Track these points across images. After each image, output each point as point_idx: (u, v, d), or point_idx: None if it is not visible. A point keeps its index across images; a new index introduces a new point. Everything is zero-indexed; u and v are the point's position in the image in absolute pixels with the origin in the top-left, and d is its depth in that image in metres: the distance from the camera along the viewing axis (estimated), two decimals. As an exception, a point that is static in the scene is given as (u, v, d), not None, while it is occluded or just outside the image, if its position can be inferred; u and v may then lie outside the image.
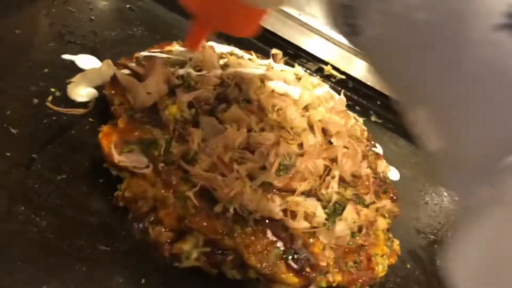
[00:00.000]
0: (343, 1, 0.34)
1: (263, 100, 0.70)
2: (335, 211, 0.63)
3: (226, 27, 0.57)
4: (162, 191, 0.55)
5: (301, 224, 0.58)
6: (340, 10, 0.34)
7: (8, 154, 0.56)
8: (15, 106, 0.61)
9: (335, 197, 0.63)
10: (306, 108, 0.73)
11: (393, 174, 0.84)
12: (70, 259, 0.51)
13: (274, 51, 0.85)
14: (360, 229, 0.63)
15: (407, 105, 0.35)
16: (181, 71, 0.70)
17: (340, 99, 0.78)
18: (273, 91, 0.72)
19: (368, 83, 0.97)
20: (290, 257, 0.56)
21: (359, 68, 1.00)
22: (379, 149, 0.82)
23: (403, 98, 0.35)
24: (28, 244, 0.50)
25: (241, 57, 0.79)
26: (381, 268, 0.62)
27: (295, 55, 0.96)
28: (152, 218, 0.56)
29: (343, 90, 0.87)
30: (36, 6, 0.78)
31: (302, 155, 0.66)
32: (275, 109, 0.69)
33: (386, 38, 0.33)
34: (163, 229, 0.56)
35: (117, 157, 0.56)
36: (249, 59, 0.79)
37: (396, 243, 0.67)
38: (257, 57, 0.82)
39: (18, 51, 0.68)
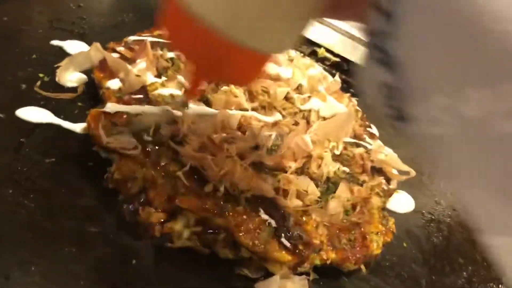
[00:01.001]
0: (385, 80, 0.26)
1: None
2: (328, 189, 0.62)
3: (223, 76, 0.46)
4: (152, 171, 0.55)
5: (293, 202, 0.58)
6: (381, 89, 0.27)
7: (-4, 138, 0.56)
8: (2, 91, 0.61)
9: (326, 173, 0.63)
10: (298, 88, 0.72)
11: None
12: (59, 241, 0.50)
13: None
14: (354, 207, 0.62)
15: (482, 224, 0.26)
16: (170, 54, 0.69)
17: (334, 80, 0.78)
18: (264, 72, 0.72)
19: (364, 66, 0.96)
20: (282, 235, 0.55)
21: (353, 51, 0.99)
22: (374, 130, 0.82)
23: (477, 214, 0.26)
24: (16, 226, 0.50)
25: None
26: (375, 246, 0.61)
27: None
28: (142, 199, 0.56)
29: (337, 73, 0.85)
30: (24, -6, 0.78)
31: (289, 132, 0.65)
32: (266, 90, 0.69)
33: (452, 140, 0.25)
34: (154, 210, 0.55)
35: (105, 139, 0.56)
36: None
37: (392, 221, 0.66)
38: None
39: (5, 38, 0.68)
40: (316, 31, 1.00)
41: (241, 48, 0.37)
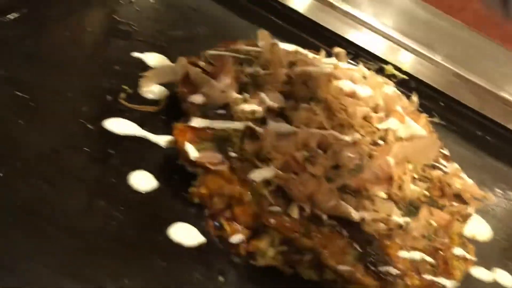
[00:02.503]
0: None
1: (331, 99, 0.68)
2: (410, 213, 0.61)
3: None
4: (239, 188, 0.55)
5: (377, 226, 0.57)
6: None
7: (86, 149, 0.57)
8: (90, 102, 0.62)
9: (409, 195, 0.61)
10: (375, 108, 0.71)
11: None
12: (149, 254, 0.51)
13: (337, 49, 0.84)
14: (435, 232, 0.61)
15: None
16: (249, 69, 0.70)
17: (411, 100, 0.76)
18: (341, 90, 0.71)
19: (432, 84, 0.95)
20: (367, 259, 0.54)
21: (421, 68, 0.97)
22: (446, 152, 0.80)
23: None
24: (108, 239, 0.51)
25: (306, 56, 0.78)
26: (458, 273, 0.60)
27: (356, 54, 0.94)
28: (227, 215, 0.56)
29: (414, 92, 0.84)
30: (104, 5, 0.79)
31: (372, 155, 0.64)
32: (344, 109, 0.68)
33: None
34: (239, 227, 0.55)
35: (193, 154, 0.56)
36: (314, 58, 0.78)
37: (471, 248, 0.64)
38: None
39: (91, 49, 0.70)
40: (383, 47, 0.99)
41: None
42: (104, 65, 0.68)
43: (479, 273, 0.66)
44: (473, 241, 0.70)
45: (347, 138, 0.64)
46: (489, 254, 0.71)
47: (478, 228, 0.73)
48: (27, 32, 0.69)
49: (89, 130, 0.59)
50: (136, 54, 0.72)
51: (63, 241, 0.49)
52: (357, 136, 0.66)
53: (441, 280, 0.58)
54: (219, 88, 0.62)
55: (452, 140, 0.90)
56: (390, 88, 0.78)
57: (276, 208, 0.54)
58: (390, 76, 0.94)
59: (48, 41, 0.69)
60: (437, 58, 1.02)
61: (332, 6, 0.99)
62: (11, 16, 0.69)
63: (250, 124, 0.61)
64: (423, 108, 0.91)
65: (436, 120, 0.92)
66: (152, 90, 0.67)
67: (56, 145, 0.56)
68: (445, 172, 0.70)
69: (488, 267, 0.68)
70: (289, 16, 0.95)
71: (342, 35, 0.96)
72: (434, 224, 0.61)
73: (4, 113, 0.57)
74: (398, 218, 0.58)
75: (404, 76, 0.95)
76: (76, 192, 0.53)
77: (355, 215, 0.56)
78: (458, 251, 0.62)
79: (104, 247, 0.50)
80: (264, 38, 0.75)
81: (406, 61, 0.98)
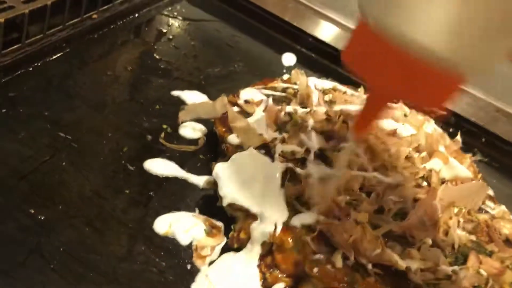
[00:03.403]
0: None
1: (373, 139, 0.67)
2: (457, 260, 0.58)
3: (411, 97, 0.43)
4: (279, 233, 0.54)
5: (424, 276, 0.54)
6: None
7: (127, 191, 0.57)
8: (131, 143, 0.63)
9: (457, 241, 0.59)
10: (417, 148, 0.69)
11: (507, 218, 0.77)
12: (189, 303, 0.50)
13: (376, 86, 0.82)
14: (486, 282, 0.58)
15: None
16: (288, 108, 0.69)
17: (455, 139, 0.74)
18: (382, 129, 0.70)
19: (472, 119, 0.92)
20: (414, 311, 0.52)
21: (461, 103, 0.94)
22: (491, 192, 0.76)
23: None
24: (148, 285, 0.50)
25: (345, 93, 0.77)
26: (511, 328, 0.56)
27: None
28: (268, 262, 0.54)
29: (450, 127, 0.82)
30: (144, 43, 0.81)
31: (416, 198, 0.62)
32: (387, 149, 0.66)
33: None
34: (280, 274, 0.54)
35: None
36: (353, 95, 0.77)
37: (523, 298, 0.61)
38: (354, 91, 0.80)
39: (131, 88, 0.70)
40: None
41: (442, 68, 0.35)
42: (145, 105, 0.69)
43: (532, 325, 0.63)
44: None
45: (390, 180, 0.62)
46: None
47: (528, 275, 0.69)
48: (69, 71, 0.70)
49: (130, 171, 0.59)
50: (176, 93, 0.72)
51: (100, 287, 0.48)
52: (401, 178, 0.64)
53: (493, 335, 0.55)
54: (255, 130, 0.62)
55: (496, 178, 0.87)
56: (431, 126, 0.76)
57: (319, 256, 0.52)
58: (429, 111, 0.92)
59: (90, 80, 0.70)
60: (477, 92, 0.99)
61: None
62: (55, 55, 0.70)
63: (291, 165, 0.60)
64: (464, 144, 0.89)
65: (478, 157, 0.89)
66: (190, 128, 0.66)
67: (97, 187, 0.56)
68: (492, 215, 0.67)
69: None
70: (325, 51, 0.95)
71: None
72: (484, 273, 0.57)
73: (47, 154, 0.58)
74: (446, 267, 0.55)
75: (443, 112, 0.92)
76: (117, 237, 0.53)
77: (401, 263, 0.54)
78: (509, 302, 0.58)
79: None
80: (298, 77, 0.74)
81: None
